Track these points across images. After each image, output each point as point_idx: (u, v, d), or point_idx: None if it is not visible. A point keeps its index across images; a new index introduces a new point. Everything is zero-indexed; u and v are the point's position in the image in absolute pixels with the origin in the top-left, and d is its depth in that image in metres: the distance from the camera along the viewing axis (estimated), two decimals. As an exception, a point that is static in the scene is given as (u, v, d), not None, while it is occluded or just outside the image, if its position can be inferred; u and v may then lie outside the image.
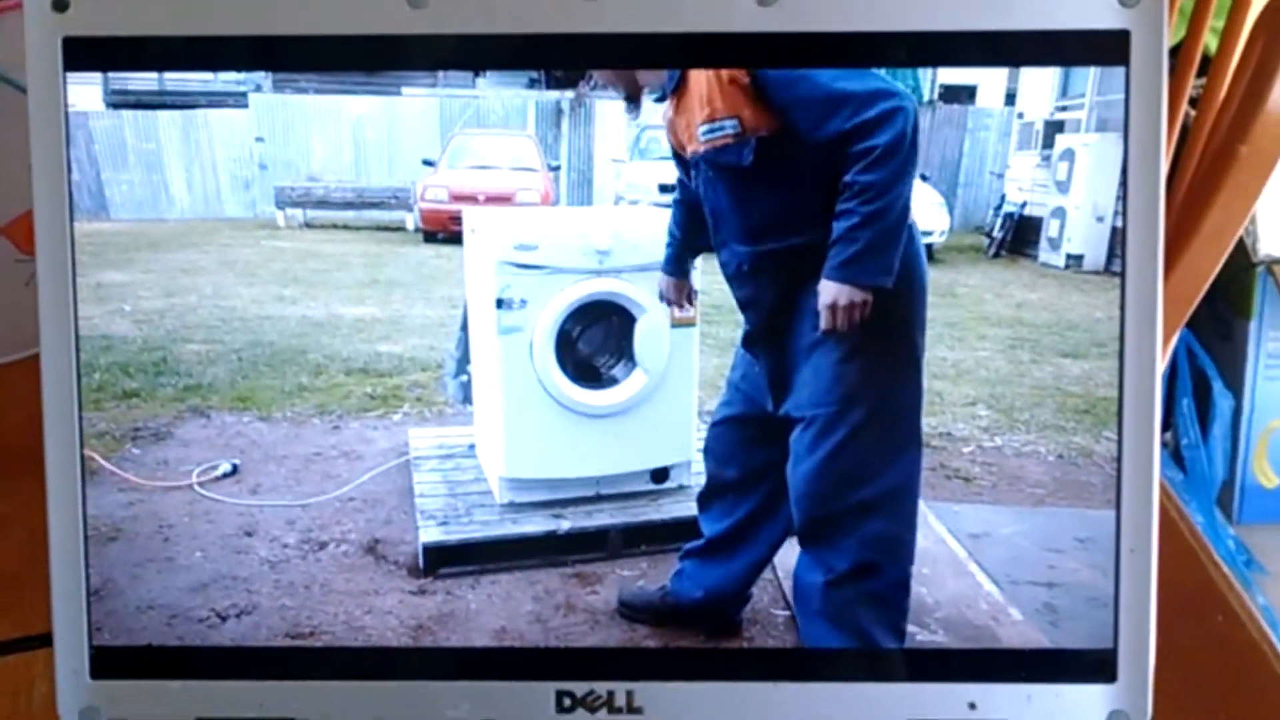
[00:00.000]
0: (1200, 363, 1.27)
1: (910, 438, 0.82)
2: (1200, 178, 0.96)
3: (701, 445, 0.89)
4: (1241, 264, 1.20)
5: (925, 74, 0.83)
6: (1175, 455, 1.28)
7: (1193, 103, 1.02)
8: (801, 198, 0.81)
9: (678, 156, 0.85)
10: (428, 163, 0.88)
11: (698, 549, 0.87)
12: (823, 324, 0.79)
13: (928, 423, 0.85)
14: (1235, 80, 0.96)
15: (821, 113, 0.78)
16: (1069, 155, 0.81)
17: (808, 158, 0.80)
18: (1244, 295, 1.24)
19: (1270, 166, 0.94)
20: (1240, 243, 1.13)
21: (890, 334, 0.81)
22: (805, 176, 0.81)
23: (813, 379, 0.82)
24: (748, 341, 0.87)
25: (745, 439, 0.89)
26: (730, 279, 0.85)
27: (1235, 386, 1.26)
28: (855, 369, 0.82)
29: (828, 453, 0.82)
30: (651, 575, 0.84)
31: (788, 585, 0.83)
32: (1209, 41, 0.98)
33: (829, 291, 0.78)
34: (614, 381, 0.93)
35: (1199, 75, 1.00)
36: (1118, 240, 0.72)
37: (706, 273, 0.88)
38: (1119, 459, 0.73)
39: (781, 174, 0.82)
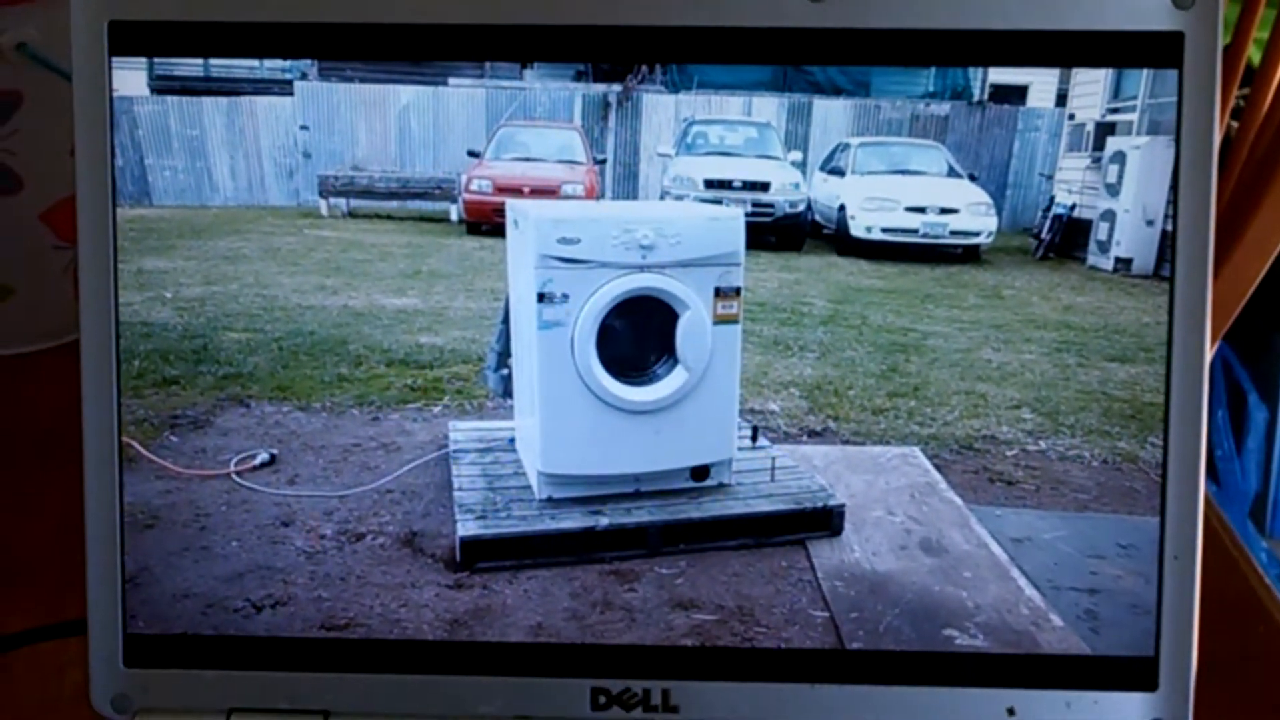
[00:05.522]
0: (1236, 375, 1.26)
1: None
2: (1244, 187, 0.96)
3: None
4: None
5: (975, 73, 0.82)
6: (1209, 467, 1.27)
7: (1234, 114, 1.01)
8: None
9: None
10: (473, 154, 0.87)
11: None
12: None
13: (971, 425, 0.85)
14: (1280, 90, 0.95)
15: None
16: (1120, 158, 0.80)
17: None
18: (1281, 308, 1.24)
19: (1315, 176, 0.94)
20: (1279, 256, 1.12)
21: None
22: None
23: None
24: None
25: None
26: None
27: (1271, 399, 1.25)
28: None
29: None
30: (690, 574, 0.83)
31: (827, 586, 0.82)
32: (1252, 54, 0.98)
33: None
34: (655, 378, 0.92)
35: (1242, 86, 0.99)
36: (1167, 244, 0.72)
37: (751, 270, 0.87)
38: (1164, 465, 0.73)
39: None
